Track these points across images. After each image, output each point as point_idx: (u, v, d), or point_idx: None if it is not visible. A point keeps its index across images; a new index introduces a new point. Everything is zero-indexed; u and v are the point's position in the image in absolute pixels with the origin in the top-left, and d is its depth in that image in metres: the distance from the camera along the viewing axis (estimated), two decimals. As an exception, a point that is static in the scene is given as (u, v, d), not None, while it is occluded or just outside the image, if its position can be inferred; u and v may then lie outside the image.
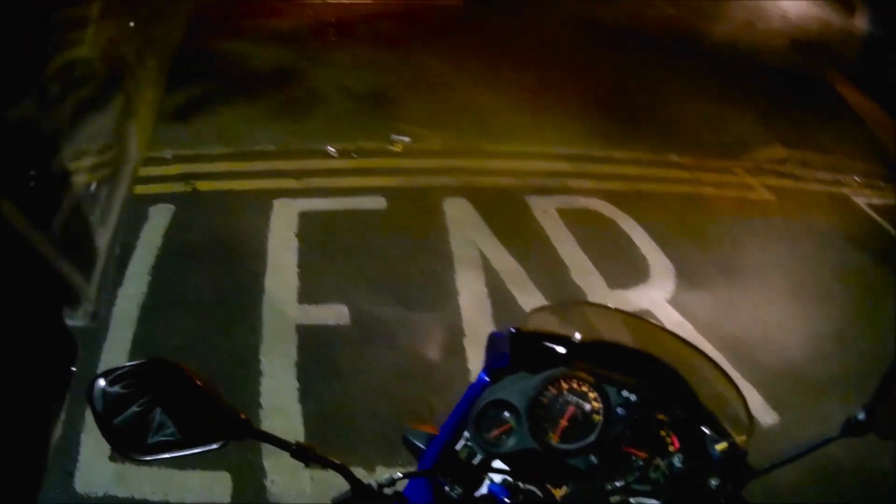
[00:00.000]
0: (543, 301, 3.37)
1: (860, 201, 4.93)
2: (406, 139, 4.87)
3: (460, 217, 4.07)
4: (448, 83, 5.81)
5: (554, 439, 1.03)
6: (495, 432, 1.06)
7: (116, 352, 2.76)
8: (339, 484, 0.95)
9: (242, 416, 0.91)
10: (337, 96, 5.46)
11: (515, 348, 1.11)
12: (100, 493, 2.05)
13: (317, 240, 3.77)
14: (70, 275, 0.50)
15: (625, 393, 1.03)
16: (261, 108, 5.21)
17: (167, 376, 0.90)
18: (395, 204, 4.15)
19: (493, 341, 1.20)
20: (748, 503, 0.97)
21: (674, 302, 3.57)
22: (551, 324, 1.25)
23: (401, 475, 0.98)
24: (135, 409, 0.87)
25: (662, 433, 1.02)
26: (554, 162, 4.80)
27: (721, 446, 0.99)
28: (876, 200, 4.95)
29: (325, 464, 0.94)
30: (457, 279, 3.58)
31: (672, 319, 3.42)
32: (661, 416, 1.03)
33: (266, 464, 2.44)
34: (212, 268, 3.50)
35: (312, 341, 3.10)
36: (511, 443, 1.04)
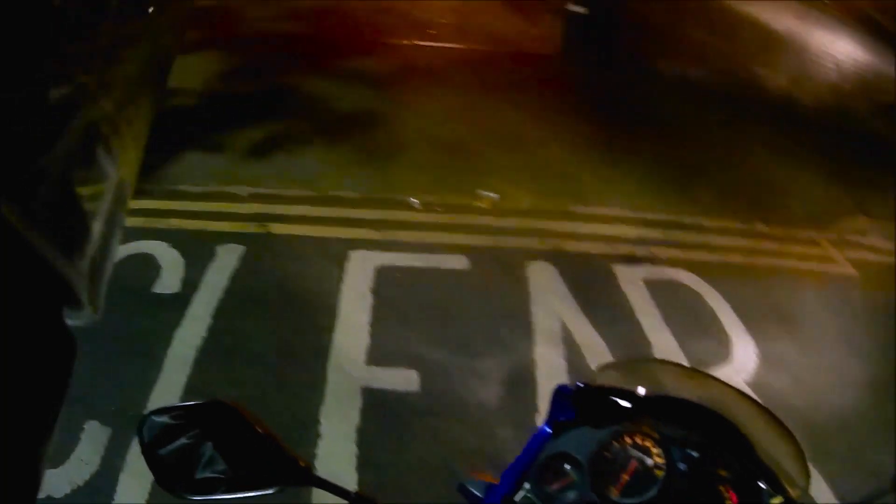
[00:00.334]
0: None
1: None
2: (494, 195, 4.91)
3: (544, 284, 4.07)
4: (539, 138, 5.91)
5: (615, 494, 1.08)
6: (556, 485, 1.12)
7: (167, 397, 2.82)
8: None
9: (302, 463, 0.92)
10: (423, 145, 5.60)
11: (581, 402, 1.18)
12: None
13: (392, 298, 3.79)
14: (70, 274, 0.50)
15: (688, 448, 1.10)
16: (344, 152, 5.41)
17: (223, 416, 0.92)
18: (477, 265, 4.17)
19: (559, 395, 1.26)
20: None
21: (753, 385, 3.52)
22: (617, 378, 1.33)
23: None
24: (184, 440, 0.88)
25: (721, 489, 1.08)
26: (644, 228, 4.80)
27: (776, 500, 1.05)
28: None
29: None
30: (535, 351, 3.55)
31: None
32: (721, 472, 1.09)
33: None
34: (278, 317, 3.57)
35: (377, 406, 3.08)
36: (571, 496, 1.10)
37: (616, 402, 1.18)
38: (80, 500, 2.64)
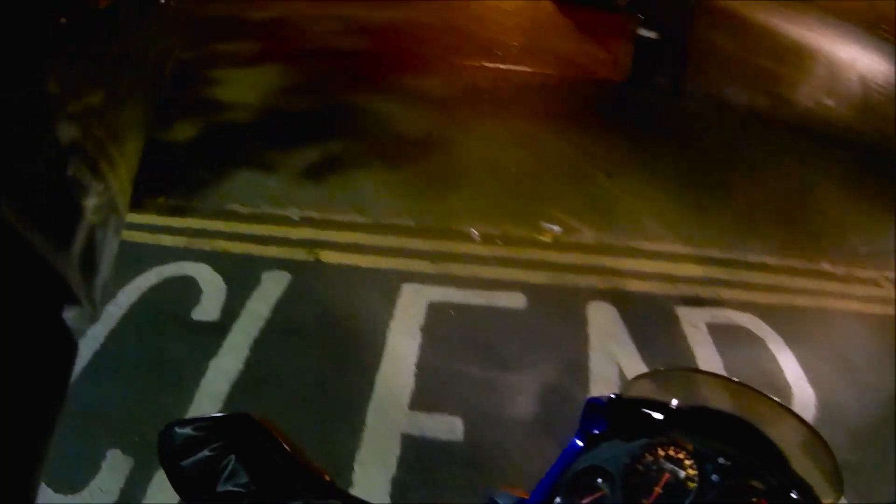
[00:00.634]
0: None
1: None
2: (556, 229, 4.94)
3: (604, 326, 4.06)
4: (605, 169, 5.98)
5: None
6: (588, 499, 1.16)
7: (196, 431, 2.90)
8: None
9: (326, 478, 0.95)
10: (486, 172, 5.69)
11: (613, 414, 1.25)
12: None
13: (443, 337, 3.80)
14: (68, 274, 0.54)
15: (720, 460, 1.14)
16: (402, 177, 5.53)
17: (248, 429, 0.95)
18: (535, 304, 4.18)
19: (590, 407, 1.32)
20: None
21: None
22: (649, 390, 1.39)
23: None
24: (206, 452, 0.91)
25: (755, 501, 1.11)
26: (708, 266, 4.83)
27: None
28: None
29: None
30: (590, 401, 3.48)
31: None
32: (754, 484, 1.13)
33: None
34: (320, 352, 3.62)
35: (417, 455, 3.07)
36: None
37: (648, 413, 1.24)
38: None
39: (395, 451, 3.07)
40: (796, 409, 3.52)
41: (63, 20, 0.57)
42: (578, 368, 3.72)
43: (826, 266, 5.08)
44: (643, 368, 3.71)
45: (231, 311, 3.83)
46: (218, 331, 3.69)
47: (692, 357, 3.93)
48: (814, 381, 3.83)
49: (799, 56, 9.57)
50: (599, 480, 1.17)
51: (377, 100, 6.95)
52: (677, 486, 1.14)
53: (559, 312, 4.16)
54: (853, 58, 9.85)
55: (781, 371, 3.91)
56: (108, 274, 0.64)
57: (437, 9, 12.01)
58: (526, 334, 3.94)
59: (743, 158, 6.65)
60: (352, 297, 4.04)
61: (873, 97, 8.72)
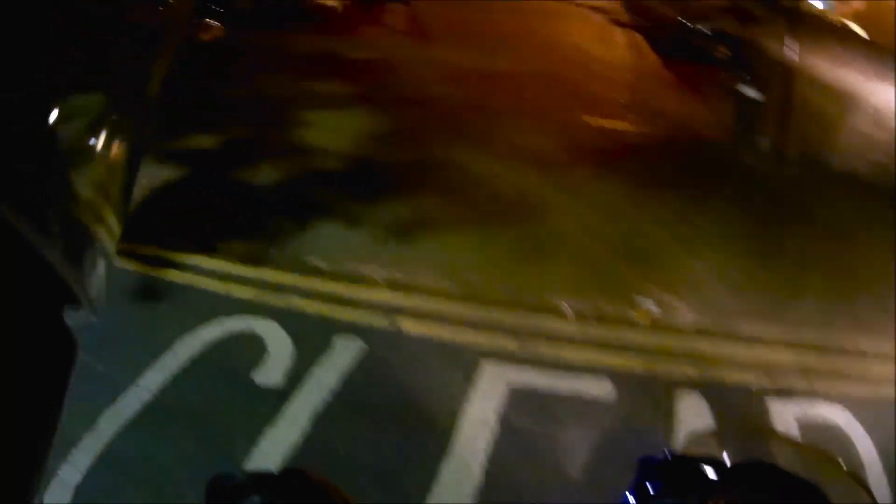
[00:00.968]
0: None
1: None
2: (653, 307, 4.81)
3: (692, 420, 3.97)
4: (710, 243, 5.86)
5: None
6: None
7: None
8: None
9: None
10: (585, 239, 5.64)
11: (667, 472, 1.32)
12: None
13: (519, 427, 3.72)
14: (68, 273, 0.57)
15: None
16: (496, 241, 5.54)
17: (302, 487, 1.04)
18: (623, 392, 4.09)
19: (645, 465, 1.40)
20: None
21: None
22: (705, 447, 1.47)
23: None
24: (256, 499, 0.97)
25: None
26: (804, 352, 4.68)
27: None
28: None
29: None
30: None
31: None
32: None
33: None
34: (385, 434, 3.59)
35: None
36: None
37: (702, 471, 1.30)
38: None
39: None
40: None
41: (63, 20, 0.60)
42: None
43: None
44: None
45: (296, 376, 3.86)
46: (279, 397, 3.71)
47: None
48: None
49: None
50: None
51: (474, 154, 7.04)
52: None
53: (647, 403, 4.07)
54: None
55: (865, 476, 3.71)
56: (109, 272, 0.67)
57: (543, 59, 12.20)
58: (609, 429, 3.83)
59: (843, 229, 6.39)
60: (427, 373, 4.00)
61: None
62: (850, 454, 3.88)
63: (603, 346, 4.46)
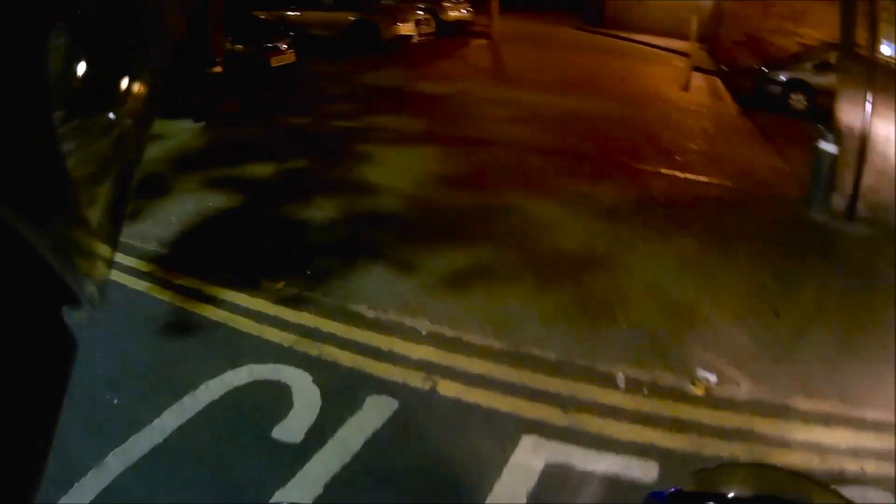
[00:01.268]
0: None
1: None
2: (711, 377, 4.59)
3: None
4: (774, 306, 5.59)
5: None
6: None
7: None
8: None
9: None
10: (646, 300, 5.44)
11: None
12: None
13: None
14: (68, 273, 0.58)
15: None
16: (552, 298, 5.35)
17: None
18: (668, 476, 3.80)
19: (652, 501, 1.43)
20: None
21: None
22: (710, 483, 1.52)
23: None
24: None
25: None
26: (859, 432, 4.38)
27: None
28: None
29: None
30: None
31: None
32: None
33: None
34: (406, 506, 3.42)
35: None
36: None
37: None
38: None
39: None
40: None
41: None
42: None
43: None
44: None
45: (318, 435, 3.72)
46: (297, 456, 3.58)
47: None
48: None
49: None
50: None
51: (539, 202, 6.96)
52: None
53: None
54: None
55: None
56: (110, 271, 0.70)
57: (620, 102, 12.15)
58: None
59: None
60: (458, 443, 3.80)
61: None
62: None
63: (653, 422, 4.20)
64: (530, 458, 3.74)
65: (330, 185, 7.65)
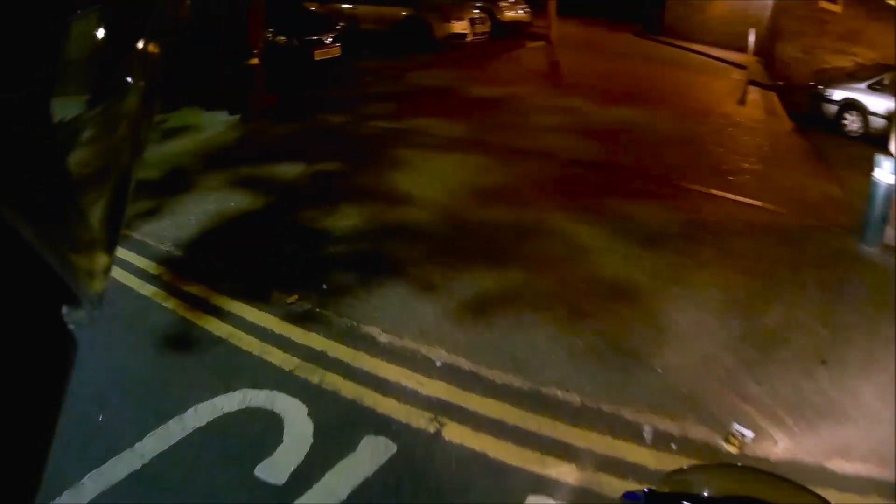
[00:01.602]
0: None
1: None
2: (748, 433, 4.21)
3: None
4: (821, 352, 5.18)
5: None
6: None
7: None
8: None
9: None
10: (683, 340, 5.04)
11: None
12: None
13: None
14: (68, 273, 0.64)
15: None
16: (583, 332, 5.01)
17: None
18: None
19: (625, 503, 1.53)
20: None
21: None
22: (684, 484, 1.56)
23: None
24: None
25: None
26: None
27: None
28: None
29: None
30: None
31: None
32: None
33: None
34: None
35: None
36: None
37: None
38: None
39: None
40: None
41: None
42: None
43: None
44: None
45: (304, 477, 3.48)
46: (278, 499, 3.36)
47: None
48: None
49: None
50: None
51: (579, 222, 6.65)
52: None
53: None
54: None
55: None
56: (110, 270, 0.70)
57: (675, 115, 11.80)
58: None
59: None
60: (456, 500, 3.51)
61: None
62: None
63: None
64: (535, 525, 3.43)
65: (359, 191, 7.42)
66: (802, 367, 4.98)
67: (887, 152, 7.23)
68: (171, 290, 5.49)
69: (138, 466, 3.60)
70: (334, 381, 4.27)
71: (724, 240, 6.73)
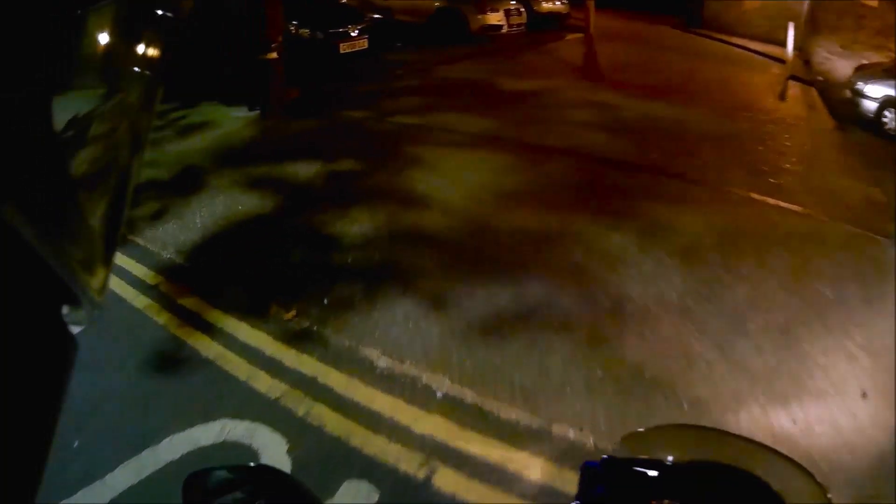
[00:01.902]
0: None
1: None
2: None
3: None
4: (860, 383, 4.70)
5: None
6: None
7: None
8: None
9: None
10: (716, 370, 4.59)
11: (608, 476, 1.33)
12: None
13: None
14: (68, 273, 0.59)
15: None
16: (605, 359, 4.59)
17: (270, 480, 1.25)
18: None
19: (587, 471, 1.38)
20: None
21: None
22: (644, 449, 1.49)
23: None
24: (239, 495, 1.13)
25: None
26: None
27: None
28: None
29: None
30: None
31: None
32: None
33: None
34: None
35: None
36: None
37: (644, 472, 1.33)
38: None
39: None
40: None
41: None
42: None
43: None
44: None
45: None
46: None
47: None
48: None
49: None
50: None
51: (608, 230, 6.26)
52: None
53: None
54: None
55: None
56: (111, 270, 0.70)
57: (714, 111, 11.34)
58: None
59: None
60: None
61: None
62: None
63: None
64: None
65: (373, 192, 7.09)
66: (841, 400, 4.54)
67: None
68: (166, 302, 5.22)
69: (107, 501, 3.44)
70: (320, 414, 3.95)
71: (764, 251, 6.27)
